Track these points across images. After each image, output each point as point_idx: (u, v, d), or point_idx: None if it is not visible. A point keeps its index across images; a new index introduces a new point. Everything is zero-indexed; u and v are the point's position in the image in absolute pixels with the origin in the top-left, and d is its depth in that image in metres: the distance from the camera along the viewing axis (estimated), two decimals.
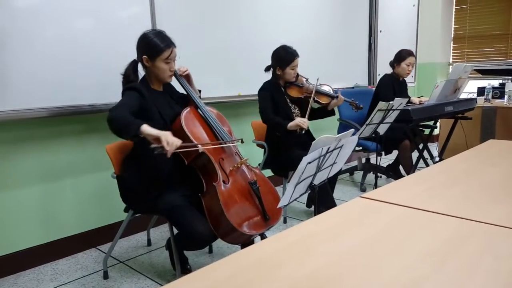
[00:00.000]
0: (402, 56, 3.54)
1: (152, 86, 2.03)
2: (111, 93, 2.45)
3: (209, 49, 3.04)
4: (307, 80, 2.84)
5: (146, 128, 1.72)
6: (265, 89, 2.74)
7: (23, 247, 2.33)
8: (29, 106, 2.15)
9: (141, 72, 2.07)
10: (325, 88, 2.84)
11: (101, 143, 2.57)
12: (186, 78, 2.16)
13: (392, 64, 3.64)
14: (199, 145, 1.91)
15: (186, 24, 2.86)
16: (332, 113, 2.87)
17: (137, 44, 1.99)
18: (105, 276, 2.23)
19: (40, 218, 2.39)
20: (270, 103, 2.71)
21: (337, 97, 2.75)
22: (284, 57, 2.70)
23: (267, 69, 2.83)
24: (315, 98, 2.75)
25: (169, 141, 1.69)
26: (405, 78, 3.74)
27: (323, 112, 2.87)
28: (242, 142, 2.01)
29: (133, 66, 2.02)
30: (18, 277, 2.26)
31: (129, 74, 1.99)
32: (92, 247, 2.63)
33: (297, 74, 2.79)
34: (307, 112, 2.67)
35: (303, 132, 2.64)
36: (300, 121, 2.59)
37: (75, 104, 2.32)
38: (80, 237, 2.56)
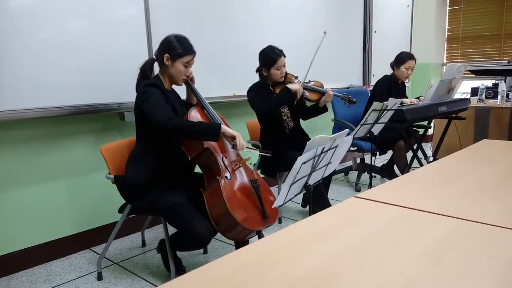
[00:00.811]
0: (401, 59, 3.52)
1: (165, 86, 2.07)
2: (107, 93, 2.45)
3: (204, 49, 3.03)
4: (296, 78, 2.82)
5: (226, 128, 1.96)
6: (253, 90, 2.71)
7: (16, 248, 2.32)
8: (23, 107, 2.13)
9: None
10: (314, 85, 2.83)
11: (96, 144, 2.56)
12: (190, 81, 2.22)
13: (392, 66, 3.62)
14: (261, 151, 2.23)
15: (180, 24, 2.85)
16: (324, 109, 2.86)
17: (162, 43, 2.05)
18: (99, 277, 2.21)
19: (33, 219, 2.37)
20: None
21: (326, 92, 2.75)
22: (268, 57, 2.66)
23: (257, 70, 2.80)
24: (305, 95, 2.75)
25: (241, 141, 1.97)
26: (403, 82, 3.74)
27: (315, 109, 2.87)
28: (268, 154, 2.21)
29: (150, 63, 2.11)
30: (11, 278, 2.24)
31: (146, 69, 2.08)
32: (86, 248, 2.61)
33: (286, 73, 2.74)
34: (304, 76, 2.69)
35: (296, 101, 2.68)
36: (300, 88, 2.63)
37: (70, 104, 2.31)
38: (74, 238, 2.54)
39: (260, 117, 2.79)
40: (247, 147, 2.09)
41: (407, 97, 3.73)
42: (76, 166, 2.53)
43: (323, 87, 2.84)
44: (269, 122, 2.78)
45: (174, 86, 2.18)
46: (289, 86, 2.62)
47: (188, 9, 2.90)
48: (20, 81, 2.12)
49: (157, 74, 2.08)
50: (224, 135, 1.96)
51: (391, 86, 3.56)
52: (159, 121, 1.86)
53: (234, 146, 1.97)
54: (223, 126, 1.94)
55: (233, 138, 1.96)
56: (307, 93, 2.77)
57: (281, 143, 2.75)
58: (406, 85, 5.88)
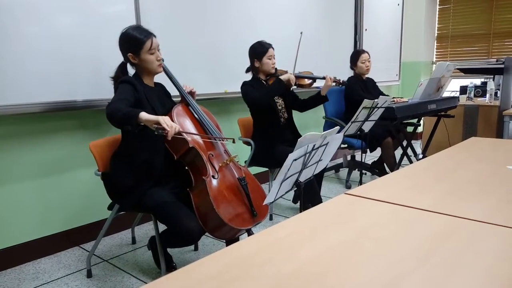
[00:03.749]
0: (356, 56, 3.70)
1: (144, 82, 2.03)
2: (97, 89, 2.42)
3: (195, 46, 3.02)
4: (286, 72, 2.90)
5: (144, 115, 1.74)
6: (246, 84, 2.80)
7: (4, 245, 2.29)
8: (11, 102, 2.10)
9: (130, 73, 2.07)
10: (305, 73, 2.94)
11: (85, 140, 2.54)
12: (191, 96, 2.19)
13: (351, 67, 3.78)
14: (198, 135, 2.02)
15: (171, 20, 2.83)
16: (325, 99, 2.94)
17: (119, 45, 2.00)
18: (89, 274, 2.20)
19: (21, 216, 2.34)
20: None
21: (323, 78, 2.86)
22: (259, 48, 2.79)
23: (247, 70, 2.89)
24: (297, 82, 2.84)
25: (169, 123, 1.73)
26: (371, 77, 3.86)
27: (316, 98, 2.95)
28: (234, 142, 2.07)
29: (121, 67, 2.04)
30: None
31: (118, 76, 2.02)
32: (75, 245, 2.59)
33: (276, 68, 2.86)
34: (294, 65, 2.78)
35: (294, 84, 2.77)
36: (291, 76, 2.71)
37: (59, 100, 2.28)
38: (63, 235, 2.52)
39: (255, 107, 2.83)
40: (223, 138, 2.06)
41: (382, 92, 3.83)
42: (65, 163, 2.50)
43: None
44: (264, 113, 2.82)
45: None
46: (280, 77, 2.71)
47: (178, 6, 2.87)
48: (9, 76, 2.09)
49: (135, 73, 2.05)
50: (145, 122, 1.75)
51: (360, 84, 3.67)
52: None
53: (161, 131, 1.71)
54: (143, 114, 1.73)
55: (157, 123, 1.73)
56: (297, 81, 2.89)
57: (275, 135, 2.79)
58: (396, 83, 5.95)
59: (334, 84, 2.89)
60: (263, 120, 2.84)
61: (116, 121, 1.78)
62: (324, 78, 2.86)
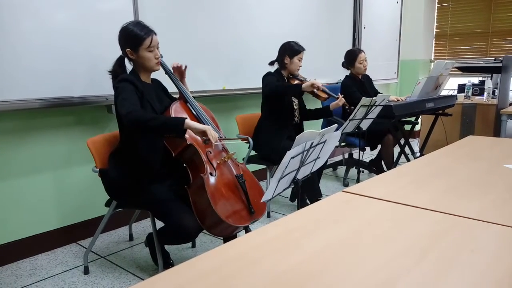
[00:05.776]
0: (353, 56, 3.58)
1: (141, 79, 2.02)
2: (95, 85, 2.42)
3: (194, 42, 3.01)
4: (306, 79, 2.97)
5: (190, 123, 1.82)
6: (271, 74, 2.87)
7: (1, 242, 2.28)
8: (7, 98, 2.09)
9: (128, 68, 2.06)
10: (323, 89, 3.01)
11: (83, 136, 2.53)
12: (179, 75, 2.19)
13: (346, 67, 3.67)
14: (228, 139, 2.15)
15: (170, 16, 2.82)
16: (330, 114, 3.04)
17: (118, 39, 1.99)
18: (86, 271, 2.20)
19: (18, 212, 2.34)
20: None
21: (337, 98, 2.90)
22: (294, 47, 2.87)
23: (271, 63, 2.95)
24: (315, 91, 2.87)
25: (213, 134, 1.87)
26: (367, 74, 3.80)
27: (322, 111, 3.04)
28: (247, 142, 2.14)
29: (119, 62, 2.03)
30: None
31: (116, 70, 2.01)
32: (73, 242, 2.59)
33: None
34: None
35: (319, 88, 2.77)
36: (314, 81, 2.72)
37: (57, 96, 2.27)
38: (60, 232, 2.52)
39: (273, 94, 2.83)
40: (224, 138, 2.08)
41: (377, 91, 3.80)
42: (63, 159, 2.50)
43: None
44: (281, 110, 2.88)
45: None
46: (304, 84, 2.73)
47: (177, 2, 2.86)
48: (6, 72, 2.07)
49: (132, 69, 2.04)
50: (192, 130, 1.85)
51: (357, 85, 3.59)
52: (121, 114, 1.80)
53: (207, 141, 1.87)
54: (188, 121, 1.81)
55: (202, 133, 1.85)
56: (316, 91, 2.92)
57: (282, 132, 2.82)
58: (394, 81, 5.95)
59: (343, 105, 2.92)
60: (277, 116, 2.87)
61: (153, 129, 1.81)
62: (337, 97, 2.90)
